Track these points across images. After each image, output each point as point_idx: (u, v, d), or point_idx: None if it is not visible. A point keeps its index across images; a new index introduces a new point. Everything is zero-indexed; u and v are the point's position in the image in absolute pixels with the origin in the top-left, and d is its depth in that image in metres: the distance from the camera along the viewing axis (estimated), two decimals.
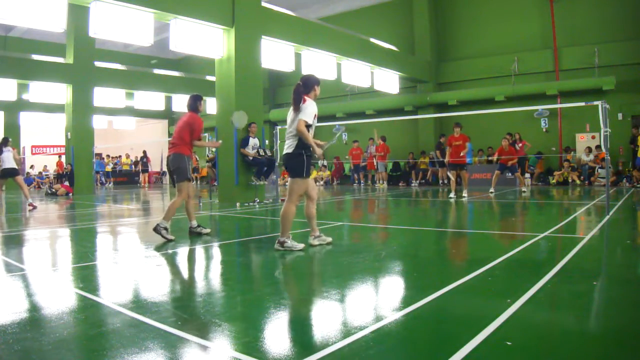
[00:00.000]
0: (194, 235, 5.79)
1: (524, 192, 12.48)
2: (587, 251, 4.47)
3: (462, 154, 10.82)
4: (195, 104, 5.87)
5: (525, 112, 15.85)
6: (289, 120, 4.72)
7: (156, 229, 5.43)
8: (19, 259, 4.64)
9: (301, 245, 4.71)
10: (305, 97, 4.65)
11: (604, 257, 4.51)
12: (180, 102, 21.34)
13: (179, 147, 5.66)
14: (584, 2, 15.95)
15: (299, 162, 4.55)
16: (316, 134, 5.01)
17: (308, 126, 4.54)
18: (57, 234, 6.68)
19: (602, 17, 15.56)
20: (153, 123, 28.01)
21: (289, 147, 4.62)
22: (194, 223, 5.90)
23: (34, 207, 10.22)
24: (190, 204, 5.86)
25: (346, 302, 3.01)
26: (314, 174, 20.13)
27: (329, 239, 5.03)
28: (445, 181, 16.77)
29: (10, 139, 10.74)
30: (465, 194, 11.05)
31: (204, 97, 23.81)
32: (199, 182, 23.99)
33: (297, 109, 4.57)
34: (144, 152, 25.08)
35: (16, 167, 10.46)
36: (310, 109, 4.55)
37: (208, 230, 5.93)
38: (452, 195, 10.99)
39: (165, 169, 27.53)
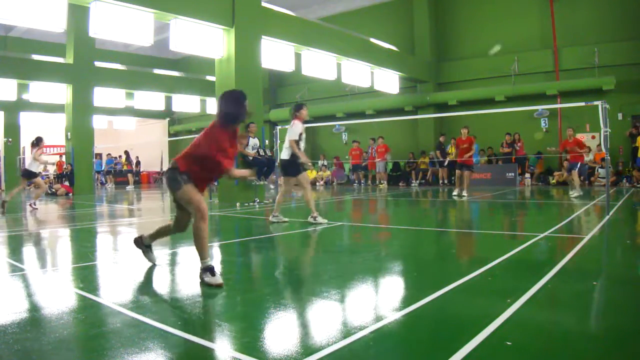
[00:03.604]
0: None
1: (574, 195, 10.41)
2: (587, 251, 4.47)
3: (467, 156, 11.24)
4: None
5: (525, 112, 15.84)
6: None
7: (203, 279, 3.46)
8: (19, 259, 4.63)
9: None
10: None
11: (604, 257, 4.51)
12: (181, 102, 21.35)
13: None
14: (584, 2, 15.94)
15: None
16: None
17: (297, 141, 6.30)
18: (57, 234, 6.68)
19: (602, 17, 15.55)
20: (153, 123, 28.01)
21: None
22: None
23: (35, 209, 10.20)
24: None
25: (346, 302, 3.01)
26: (314, 173, 20.12)
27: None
28: (446, 181, 16.79)
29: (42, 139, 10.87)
30: (464, 193, 11.12)
31: (204, 97, 23.66)
32: None
33: None
34: (127, 152, 24.76)
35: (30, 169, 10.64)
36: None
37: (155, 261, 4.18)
38: (455, 192, 11.35)
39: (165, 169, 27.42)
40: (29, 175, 10.57)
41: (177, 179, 3.62)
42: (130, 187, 21.16)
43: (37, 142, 10.50)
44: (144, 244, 4.11)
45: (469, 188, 11.67)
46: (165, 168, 27.32)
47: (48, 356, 2.14)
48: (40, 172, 10.77)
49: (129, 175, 22.97)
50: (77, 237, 6.34)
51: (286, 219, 6.89)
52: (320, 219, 6.60)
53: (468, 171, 11.33)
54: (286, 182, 6.88)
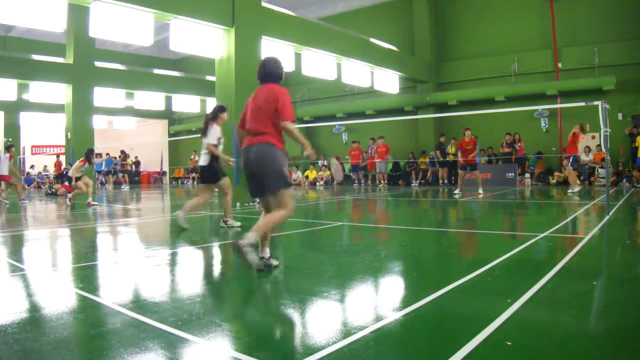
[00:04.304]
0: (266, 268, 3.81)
1: (572, 192, 11.14)
2: (587, 251, 4.47)
3: (471, 157, 11.73)
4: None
5: (525, 112, 15.85)
6: None
7: (246, 252, 3.38)
8: (19, 259, 4.63)
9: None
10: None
11: (604, 257, 4.51)
12: (181, 102, 21.35)
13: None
14: (584, 2, 15.94)
15: None
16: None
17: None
18: (57, 234, 6.68)
19: (602, 17, 15.56)
20: (153, 123, 28.02)
21: None
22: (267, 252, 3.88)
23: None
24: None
25: (346, 302, 3.01)
26: (314, 173, 20.11)
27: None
28: (446, 181, 16.81)
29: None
30: (480, 191, 11.75)
31: (204, 97, 23.57)
32: (195, 181, 24.00)
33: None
34: (123, 152, 24.83)
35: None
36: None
37: (276, 263, 3.91)
38: (457, 191, 11.82)
39: (165, 168, 27.33)
40: (70, 180, 11.45)
41: (284, 171, 3.57)
42: (125, 187, 21.11)
43: (86, 155, 11.23)
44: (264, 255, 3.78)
45: (462, 187, 12.19)
46: (165, 168, 27.43)
47: (48, 356, 2.14)
48: (79, 177, 11.19)
49: (125, 175, 22.86)
50: (77, 237, 6.34)
51: (238, 223, 6.43)
52: (232, 222, 6.35)
53: (475, 170, 11.91)
54: (205, 190, 6.46)
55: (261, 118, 3.63)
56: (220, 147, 6.20)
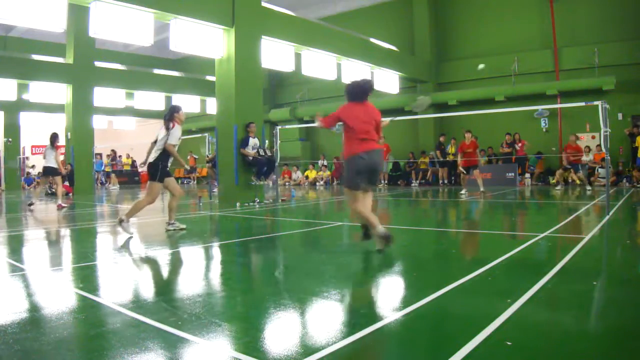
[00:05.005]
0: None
1: (588, 189, 12.62)
2: (587, 251, 4.47)
3: (476, 158, 11.93)
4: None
5: (525, 112, 15.85)
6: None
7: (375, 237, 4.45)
8: (19, 259, 4.64)
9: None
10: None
11: (604, 257, 4.51)
12: (181, 102, 21.33)
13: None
14: (584, 2, 15.94)
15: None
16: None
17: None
18: (57, 234, 6.68)
19: (602, 17, 15.56)
20: (153, 123, 28.01)
21: None
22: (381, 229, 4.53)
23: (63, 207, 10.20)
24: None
25: (346, 302, 3.01)
26: (314, 173, 20.10)
27: None
28: (446, 181, 16.81)
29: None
30: (482, 189, 11.68)
31: (204, 97, 23.49)
32: (195, 181, 23.99)
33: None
34: (114, 151, 24.79)
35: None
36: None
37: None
38: (463, 191, 11.83)
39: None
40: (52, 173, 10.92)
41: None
42: (112, 187, 21.09)
43: (50, 140, 11.01)
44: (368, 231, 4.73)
45: (467, 187, 12.15)
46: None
47: (48, 356, 2.14)
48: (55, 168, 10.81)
49: (113, 175, 22.78)
50: (76, 237, 6.34)
51: (183, 226, 6.34)
52: (177, 224, 6.26)
53: (477, 170, 11.94)
54: (152, 188, 6.12)
55: (371, 128, 4.57)
56: (176, 148, 6.11)
